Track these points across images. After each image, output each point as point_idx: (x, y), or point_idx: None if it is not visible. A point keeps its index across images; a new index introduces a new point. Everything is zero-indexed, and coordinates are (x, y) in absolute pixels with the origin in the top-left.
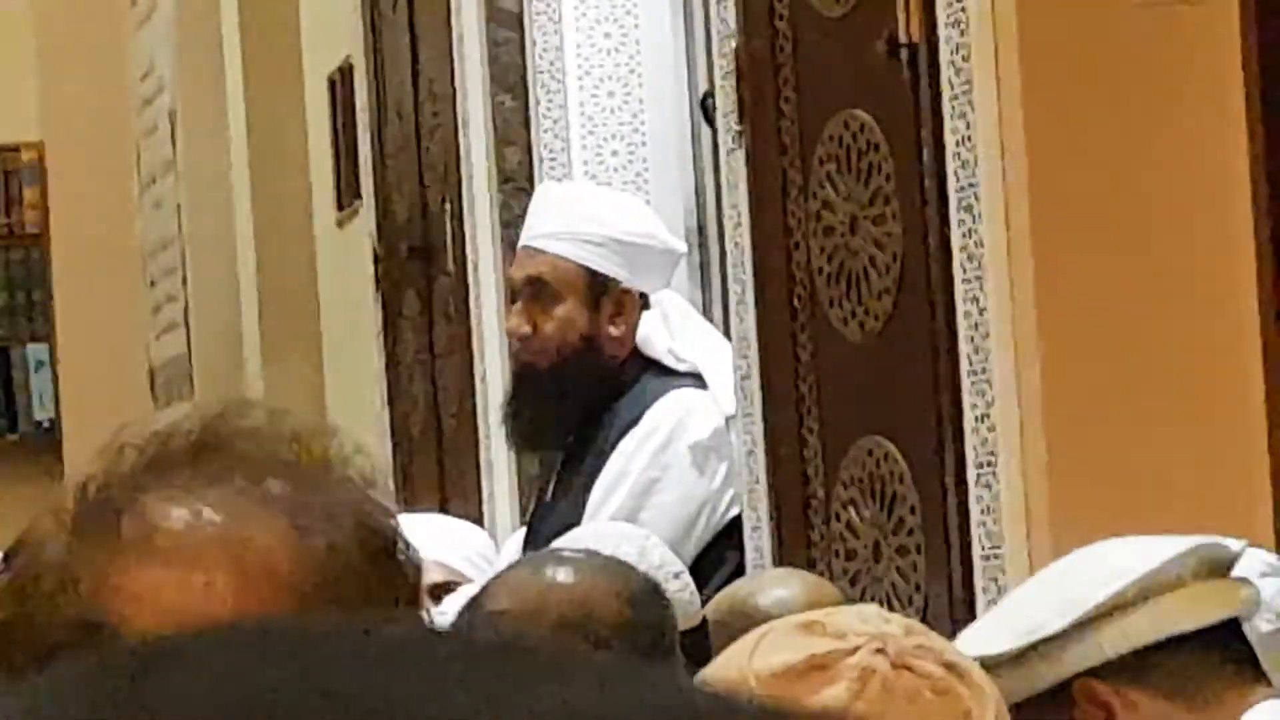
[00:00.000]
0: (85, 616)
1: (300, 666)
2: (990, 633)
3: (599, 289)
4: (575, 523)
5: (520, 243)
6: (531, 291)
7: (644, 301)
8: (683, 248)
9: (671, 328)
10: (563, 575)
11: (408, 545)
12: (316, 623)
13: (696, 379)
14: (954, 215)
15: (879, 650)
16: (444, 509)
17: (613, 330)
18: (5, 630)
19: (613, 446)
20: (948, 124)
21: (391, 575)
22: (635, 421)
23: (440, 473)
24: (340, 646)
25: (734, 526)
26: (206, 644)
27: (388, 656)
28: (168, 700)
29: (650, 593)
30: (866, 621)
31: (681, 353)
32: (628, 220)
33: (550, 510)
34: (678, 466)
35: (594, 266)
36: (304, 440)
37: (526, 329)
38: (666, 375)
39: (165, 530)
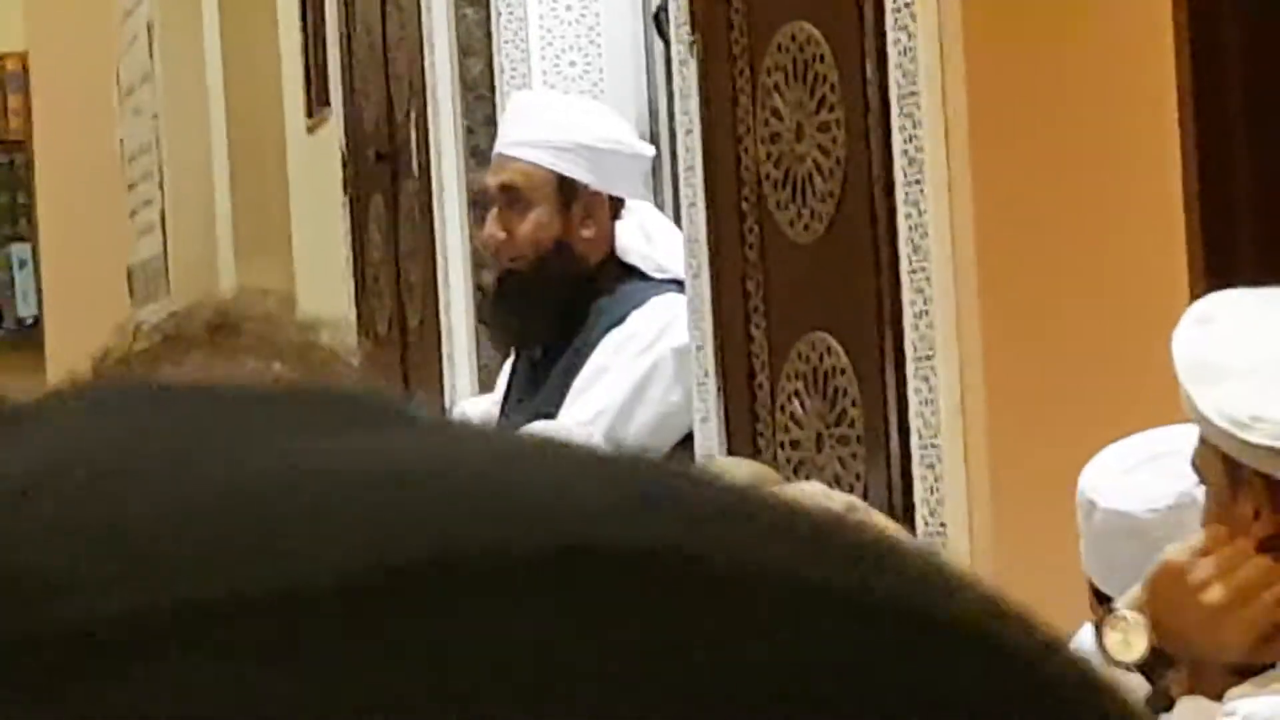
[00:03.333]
0: None
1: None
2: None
3: (569, 193)
4: (550, 414)
5: (495, 150)
6: (506, 198)
7: (616, 206)
8: (650, 151)
9: (653, 241)
10: None
11: None
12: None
13: (679, 286)
14: (895, 122)
15: None
16: None
17: (584, 233)
18: None
19: (594, 344)
20: (889, 35)
21: None
22: (619, 321)
23: (404, 366)
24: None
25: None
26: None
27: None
28: None
29: None
30: (810, 498)
31: (664, 263)
32: (595, 126)
33: (523, 404)
34: (661, 368)
35: (562, 171)
36: (310, 329)
37: (501, 234)
38: (649, 282)
39: None
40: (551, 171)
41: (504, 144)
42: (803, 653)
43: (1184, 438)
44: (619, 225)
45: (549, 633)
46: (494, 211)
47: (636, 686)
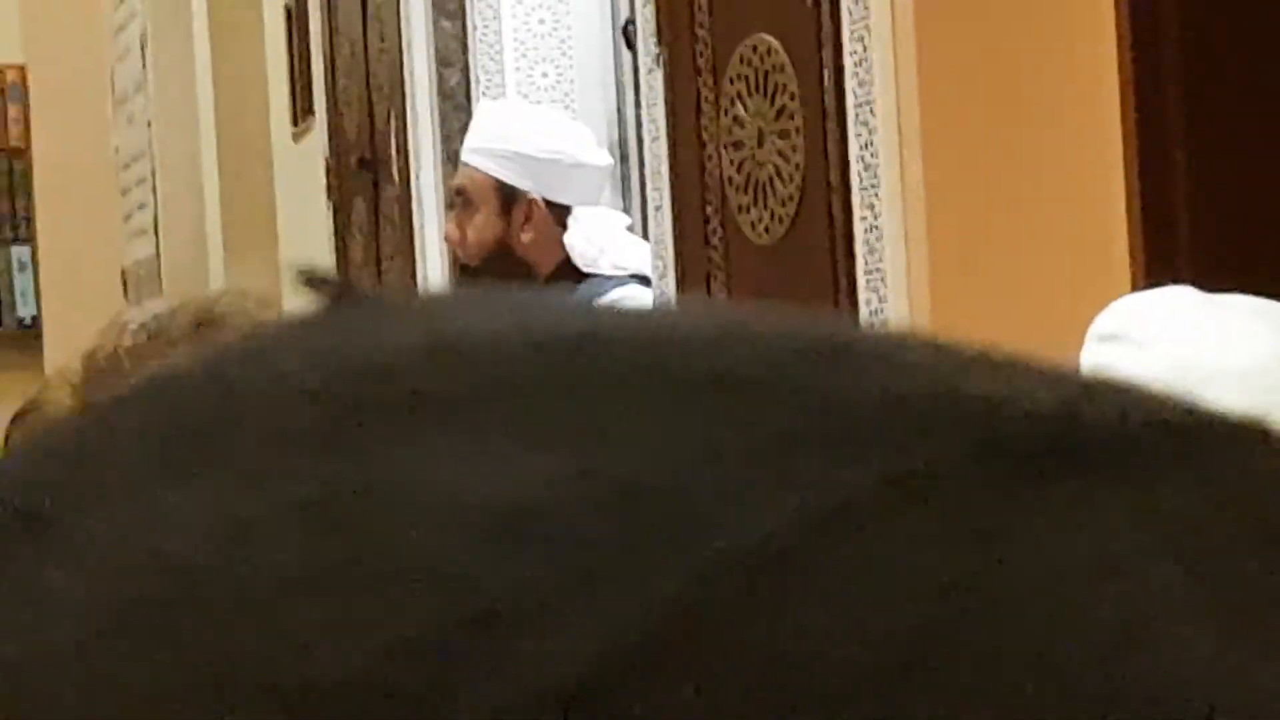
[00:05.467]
0: None
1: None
2: None
3: (509, 199)
4: None
5: None
6: (460, 201)
7: (560, 213)
8: (602, 162)
9: (603, 246)
10: None
11: None
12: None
13: (642, 281)
14: (851, 129)
15: None
16: None
17: (524, 236)
18: None
19: None
20: (846, 47)
21: None
22: None
23: None
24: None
25: None
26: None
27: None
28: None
29: None
30: None
31: (619, 261)
32: (537, 137)
33: None
34: None
35: (501, 178)
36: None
37: (456, 233)
38: (610, 278)
39: None
40: (492, 177)
41: (463, 150)
42: None
43: None
44: (572, 233)
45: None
46: (452, 212)
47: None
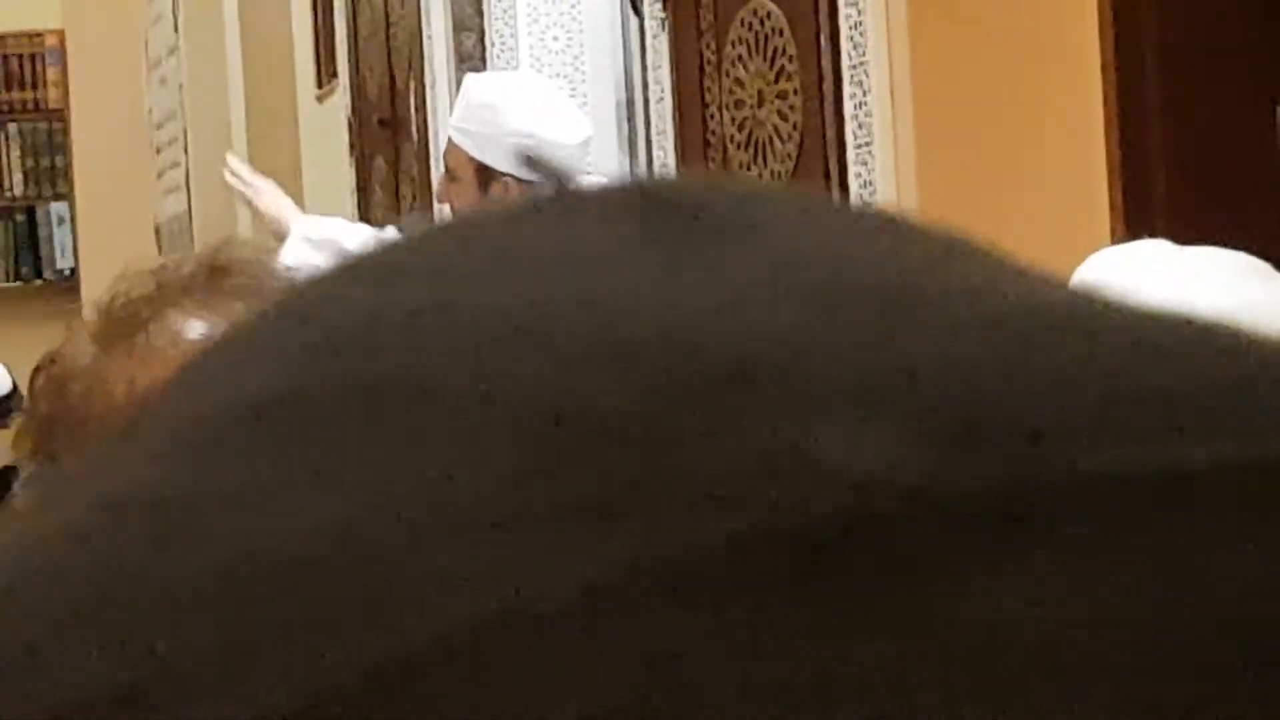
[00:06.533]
0: (114, 412)
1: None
2: None
3: (486, 175)
4: None
5: None
6: (446, 171)
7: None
8: (579, 137)
9: None
10: None
11: None
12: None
13: None
14: (846, 90)
15: None
16: None
17: None
18: (46, 424)
19: None
20: (841, 12)
21: None
22: None
23: None
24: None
25: None
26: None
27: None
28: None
29: None
30: None
31: None
32: (511, 119)
33: None
34: None
35: (477, 157)
36: (288, 274)
37: (444, 198)
38: None
39: (189, 338)
40: (472, 156)
41: (449, 123)
42: None
43: None
44: None
45: None
46: (441, 178)
47: None
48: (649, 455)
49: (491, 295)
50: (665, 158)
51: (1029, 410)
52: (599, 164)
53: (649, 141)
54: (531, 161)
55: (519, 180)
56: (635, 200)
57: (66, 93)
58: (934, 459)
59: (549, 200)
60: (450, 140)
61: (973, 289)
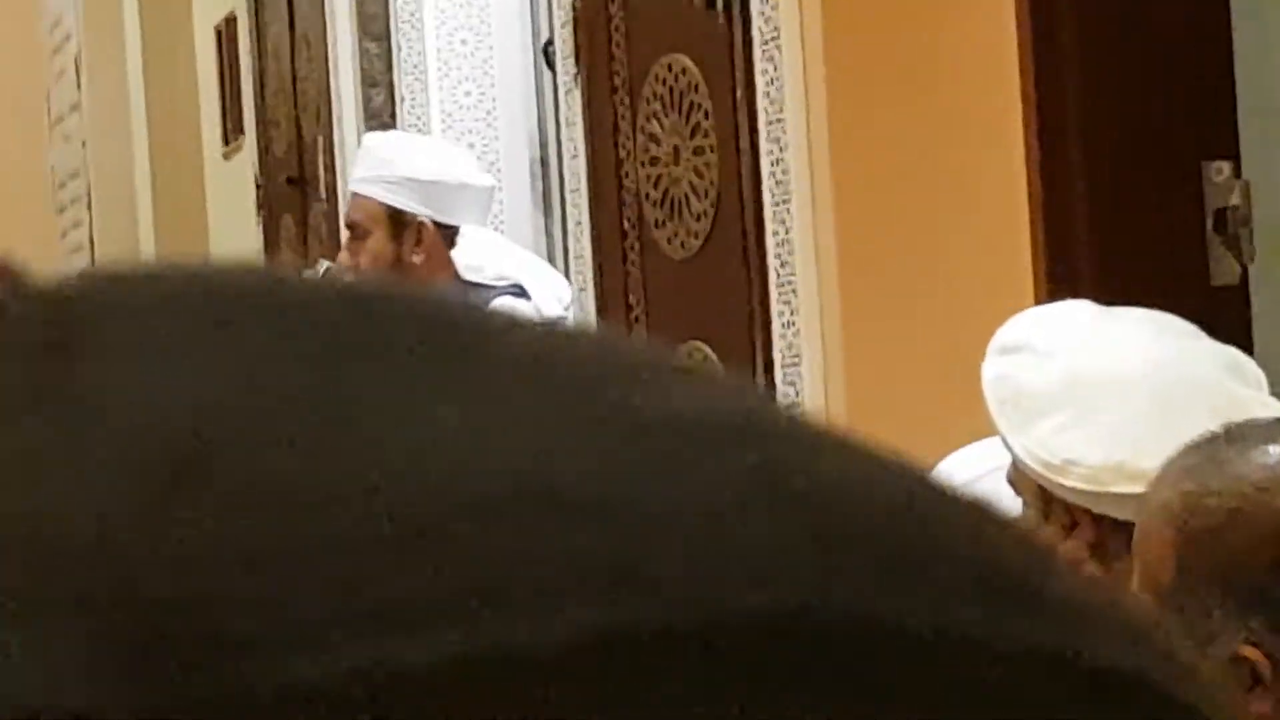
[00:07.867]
0: None
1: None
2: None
3: (399, 223)
4: None
5: None
6: (353, 231)
7: (450, 234)
8: (485, 183)
9: (481, 260)
10: None
11: None
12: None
13: (519, 289)
14: (763, 147)
15: None
16: None
17: (415, 258)
18: None
19: None
20: (758, 66)
21: None
22: None
23: None
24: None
25: None
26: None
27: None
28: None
29: None
30: None
31: (503, 272)
32: (421, 160)
33: None
34: None
35: (391, 203)
36: None
37: (350, 262)
38: (488, 289)
39: None
40: (382, 203)
41: (350, 181)
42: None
43: None
44: (462, 250)
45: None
46: (346, 242)
47: None
48: None
49: None
50: (579, 216)
51: (241, 615)
52: (512, 222)
53: (563, 199)
54: (446, 198)
55: (436, 224)
56: None
57: None
58: (105, 681)
59: None
60: (355, 195)
61: None
